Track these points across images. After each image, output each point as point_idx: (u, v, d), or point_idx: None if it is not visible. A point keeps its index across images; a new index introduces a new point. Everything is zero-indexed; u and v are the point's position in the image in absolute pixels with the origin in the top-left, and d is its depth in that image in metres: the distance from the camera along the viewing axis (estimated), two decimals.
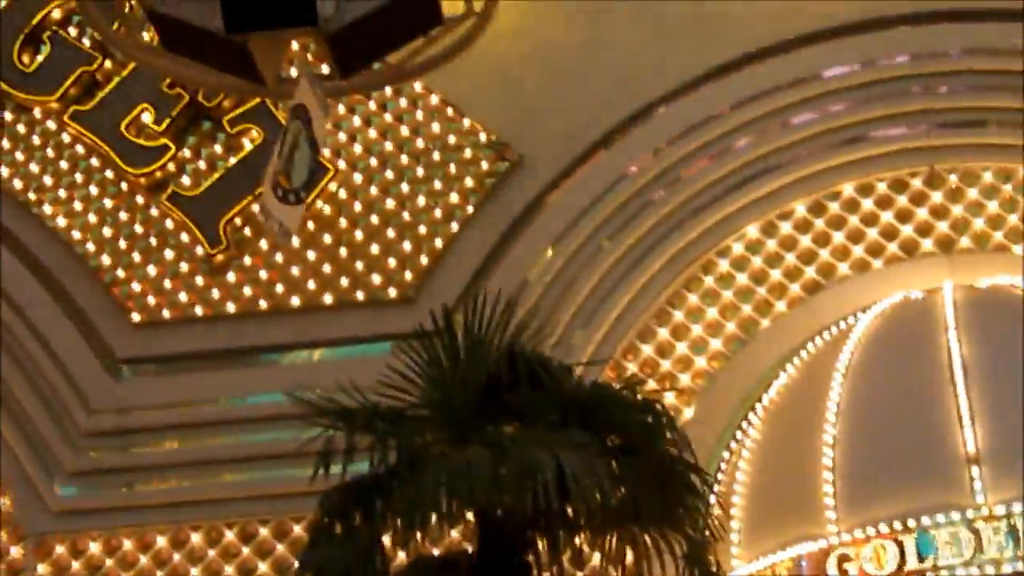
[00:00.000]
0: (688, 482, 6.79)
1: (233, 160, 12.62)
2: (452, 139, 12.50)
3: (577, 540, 6.75)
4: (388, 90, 12.39)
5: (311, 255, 12.38)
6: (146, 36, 10.29)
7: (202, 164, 12.67)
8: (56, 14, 13.14)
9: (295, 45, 11.85)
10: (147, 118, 12.73)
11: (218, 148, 12.71)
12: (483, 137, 12.48)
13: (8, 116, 13.06)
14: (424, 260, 12.24)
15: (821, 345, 11.61)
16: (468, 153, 12.46)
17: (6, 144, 12.97)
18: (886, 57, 12.42)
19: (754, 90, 12.46)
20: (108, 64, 12.92)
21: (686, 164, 12.43)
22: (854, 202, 12.27)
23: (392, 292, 12.22)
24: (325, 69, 9.55)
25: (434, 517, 6.39)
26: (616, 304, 12.15)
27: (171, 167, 12.66)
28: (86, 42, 13.02)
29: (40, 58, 13.02)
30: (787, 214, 12.32)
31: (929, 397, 10.34)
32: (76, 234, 12.68)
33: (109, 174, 12.78)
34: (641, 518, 6.65)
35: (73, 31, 13.08)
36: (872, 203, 12.23)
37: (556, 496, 6.18)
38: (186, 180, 12.64)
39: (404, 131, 12.59)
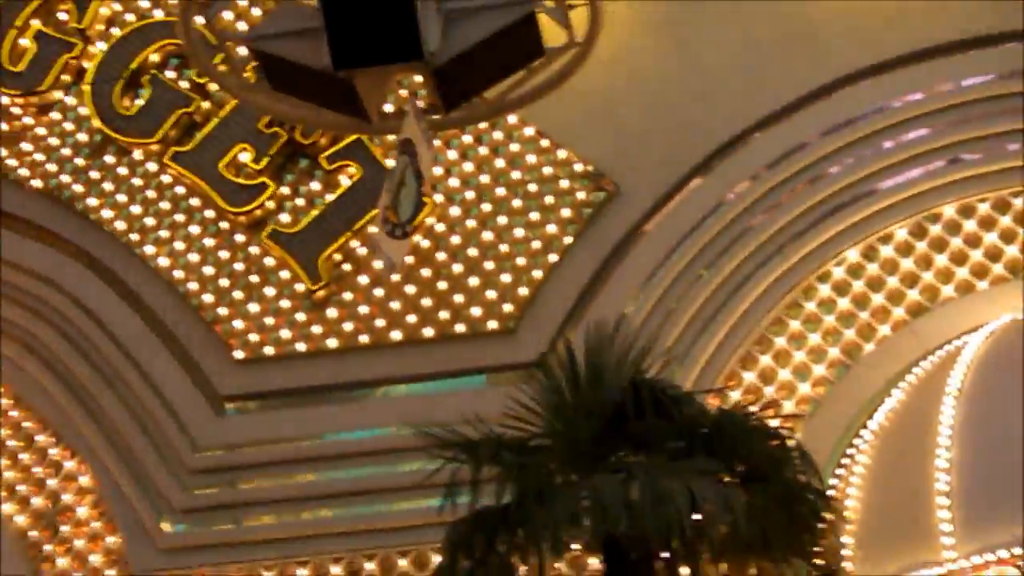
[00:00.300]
0: (815, 509, 6.73)
1: (331, 197, 12.70)
2: (548, 170, 12.53)
3: (703, 567, 6.71)
4: (483, 123, 12.42)
5: (411, 289, 12.43)
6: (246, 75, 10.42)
7: (301, 201, 12.78)
8: (154, 57, 13.30)
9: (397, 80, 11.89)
10: (245, 157, 12.86)
11: (316, 185, 12.81)
12: (579, 167, 12.49)
13: (110, 159, 13.23)
14: (524, 291, 12.26)
15: (928, 368, 11.49)
16: (564, 184, 12.48)
17: (109, 186, 13.15)
18: (979, 76, 12.30)
19: (848, 113, 12.40)
20: (206, 105, 13.07)
21: (784, 189, 12.38)
22: (955, 223, 12.17)
23: (493, 324, 12.24)
24: (420, 103, 9.63)
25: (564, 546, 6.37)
26: (717, 332, 12.10)
27: (270, 205, 12.78)
28: (184, 84, 13.17)
29: (140, 101, 13.19)
30: (887, 237, 12.23)
31: None
32: (179, 273, 12.82)
33: (210, 213, 12.91)
34: (769, 545, 6.60)
35: (171, 74, 13.25)
36: (975, 224, 12.11)
37: (688, 524, 6.14)
38: (285, 217, 12.75)
39: (500, 163, 12.63)
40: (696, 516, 6.19)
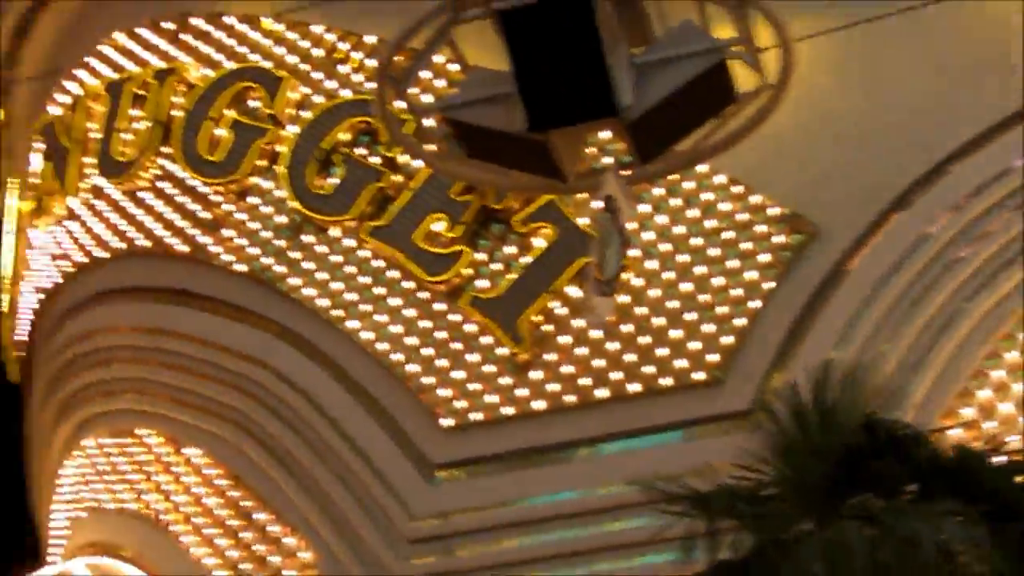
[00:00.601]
0: None
1: (527, 259, 12.75)
2: (744, 216, 12.39)
3: None
4: (674, 175, 12.35)
5: (614, 346, 12.38)
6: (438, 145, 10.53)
7: (497, 266, 12.85)
8: (344, 136, 13.55)
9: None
10: (440, 226, 12.99)
11: (511, 249, 12.86)
12: (774, 211, 12.34)
13: (309, 238, 13.49)
14: (728, 340, 12.13)
15: None
16: (761, 228, 12.33)
17: (310, 265, 13.40)
18: None
19: None
20: (397, 179, 13.25)
21: (988, 218, 12.07)
22: None
23: (699, 375, 12.12)
24: (608, 159, 9.63)
25: None
26: (931, 368, 11.81)
27: (468, 271, 12.87)
28: (375, 160, 13.38)
29: (334, 180, 13.44)
30: None
31: None
32: (383, 345, 12.98)
33: (409, 284, 13.06)
34: None
35: (361, 150, 13.47)
36: None
37: (943, 570, 5.95)
38: (483, 283, 12.83)
39: (694, 213, 12.54)
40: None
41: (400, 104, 9.41)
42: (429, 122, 10.04)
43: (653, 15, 9.29)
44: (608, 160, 9.32)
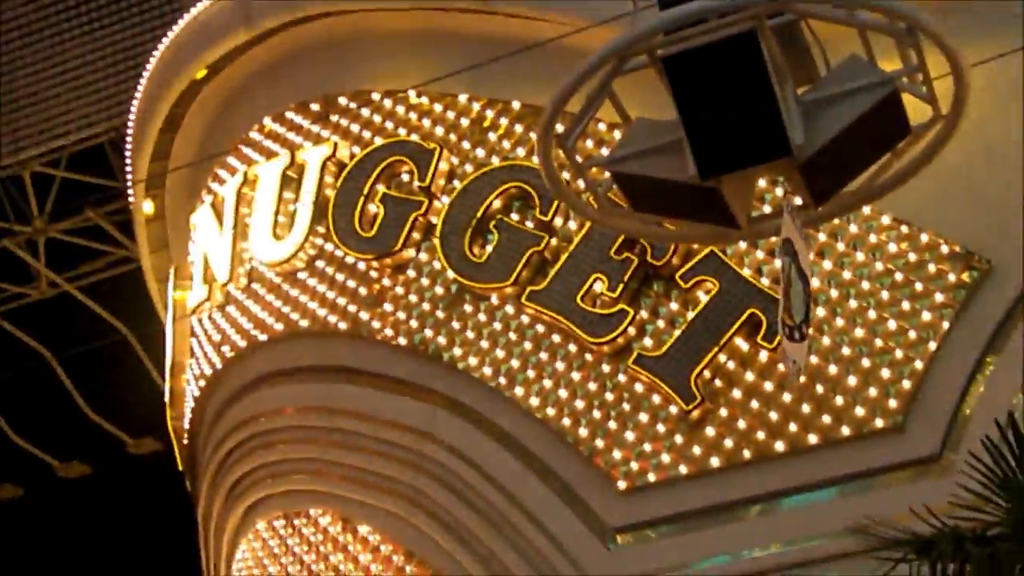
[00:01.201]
0: None
1: (692, 314, 12.53)
2: (913, 256, 12.07)
3: None
4: (837, 219, 12.07)
5: (788, 397, 12.09)
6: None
7: (661, 323, 12.65)
8: (497, 203, 13.49)
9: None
10: (600, 287, 12.84)
11: (675, 305, 12.66)
12: (945, 249, 12.00)
13: (468, 307, 13.42)
14: (907, 384, 11.76)
15: None
16: (932, 268, 12.00)
17: (471, 334, 13.32)
18: None
19: None
20: (554, 242, 13.15)
21: None
22: None
23: (879, 422, 11.77)
24: (797, 200, 9.38)
25: None
26: None
27: (632, 331, 12.69)
28: (530, 224, 13.30)
29: (489, 247, 13.37)
30: None
31: None
32: (550, 411, 12.82)
33: (572, 347, 12.91)
34: None
35: (515, 216, 13.40)
36: None
37: None
38: (648, 341, 12.63)
39: (861, 257, 12.24)
40: None
41: (562, 159, 9.28)
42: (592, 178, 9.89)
43: (816, 51, 9.05)
44: (783, 202, 9.05)
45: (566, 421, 12.75)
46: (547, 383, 12.92)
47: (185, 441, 16.22)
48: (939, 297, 11.90)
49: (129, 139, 16.59)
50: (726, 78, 8.40)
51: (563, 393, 12.85)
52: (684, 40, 8.48)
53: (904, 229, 12.15)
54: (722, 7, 8.35)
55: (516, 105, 13.67)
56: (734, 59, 8.36)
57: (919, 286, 12.00)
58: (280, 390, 14.50)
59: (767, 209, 11.79)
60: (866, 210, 12.15)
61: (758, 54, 8.34)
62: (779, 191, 11.83)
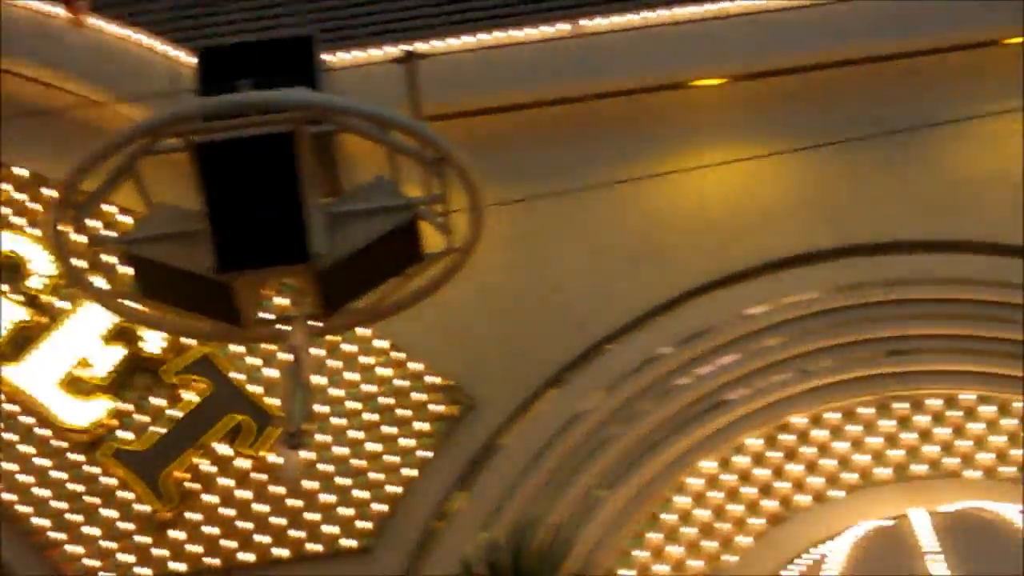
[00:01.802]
0: None
1: (177, 412, 12.22)
2: (402, 383, 12.32)
3: None
4: (337, 336, 12.19)
5: (262, 507, 11.96)
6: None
7: (145, 417, 12.26)
8: None
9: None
10: (84, 372, 12.33)
11: (161, 400, 12.31)
12: (433, 380, 12.32)
13: None
14: (381, 507, 11.90)
15: None
16: (420, 396, 12.28)
17: None
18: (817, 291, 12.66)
19: (698, 326, 12.59)
20: (43, 319, 12.53)
21: (638, 400, 12.40)
22: (805, 433, 12.33)
23: (350, 542, 11.83)
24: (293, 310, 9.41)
25: None
26: (578, 547, 11.88)
27: (113, 422, 12.22)
28: (18, 298, 12.63)
29: None
30: (741, 447, 12.29)
31: None
32: (7, 496, 12.10)
33: (43, 431, 12.27)
34: None
35: (4, 286, 12.70)
36: (827, 433, 12.29)
37: None
38: (128, 435, 12.20)
39: (353, 376, 12.37)
40: None
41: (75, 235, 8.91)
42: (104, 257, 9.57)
43: (344, 166, 9.20)
44: (296, 312, 9.05)
45: (25, 508, 12.05)
46: (10, 466, 12.19)
47: None
48: (423, 426, 12.17)
49: None
50: (257, 175, 8.39)
51: (26, 478, 12.15)
52: (220, 130, 8.39)
53: (397, 355, 12.39)
54: (263, 104, 8.33)
55: (21, 172, 13.02)
56: (267, 158, 8.36)
57: (405, 412, 12.23)
58: None
59: (296, 311, 11.69)
60: (363, 331, 12.33)
61: (292, 157, 8.38)
62: (285, 300, 11.80)
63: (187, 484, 12.06)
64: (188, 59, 11.27)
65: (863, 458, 12.21)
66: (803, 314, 12.57)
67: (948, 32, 12.90)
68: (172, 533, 11.94)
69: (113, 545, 11.95)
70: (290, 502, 11.96)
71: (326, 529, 11.88)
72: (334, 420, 12.22)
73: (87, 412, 12.25)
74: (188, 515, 11.98)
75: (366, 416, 12.24)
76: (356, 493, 11.97)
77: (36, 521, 12.06)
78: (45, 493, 12.11)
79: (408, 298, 9.58)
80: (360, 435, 12.18)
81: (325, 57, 8.86)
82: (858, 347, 12.42)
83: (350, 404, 12.28)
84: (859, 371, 12.38)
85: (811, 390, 12.41)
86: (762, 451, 12.27)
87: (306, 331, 8.83)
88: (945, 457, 12.19)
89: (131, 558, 11.90)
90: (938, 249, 12.69)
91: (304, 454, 8.75)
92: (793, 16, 12.93)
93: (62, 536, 12.00)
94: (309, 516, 11.93)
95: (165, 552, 11.90)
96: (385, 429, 12.20)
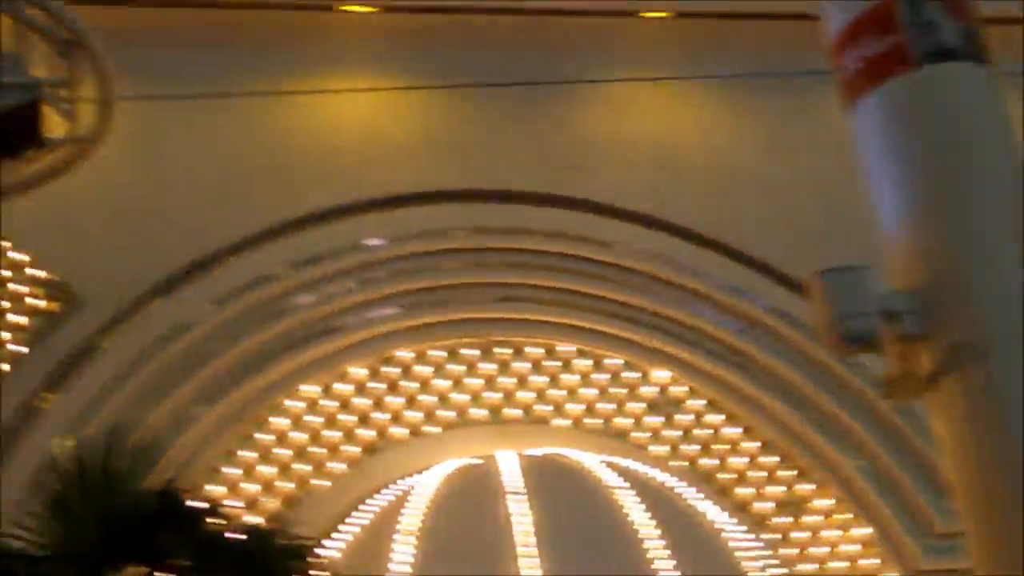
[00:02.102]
0: None
1: None
2: (5, 273, 11.77)
3: None
4: None
5: None
6: None
7: None
8: None
9: None
10: None
11: None
12: (38, 274, 11.81)
13: None
14: None
15: (380, 507, 11.61)
16: (20, 288, 11.75)
17: None
18: (445, 231, 12.82)
19: (316, 250, 12.56)
20: None
21: (246, 318, 12.26)
22: (409, 367, 12.50)
23: None
24: None
25: None
26: (169, 456, 11.66)
27: None
28: None
29: None
30: (344, 375, 12.35)
31: (493, 560, 10.52)
32: None
33: None
34: None
35: None
36: (430, 369, 12.50)
37: None
38: None
39: None
40: None
41: None
42: None
43: None
44: None
45: None
46: None
47: None
48: (22, 319, 11.67)
49: None
50: None
51: None
52: None
53: (2, 242, 11.81)
54: None
55: None
56: None
57: (3, 304, 11.69)
58: None
59: None
60: None
61: None
62: None
63: None
64: None
65: (462, 397, 12.48)
66: (420, 251, 12.73)
67: None
68: None
69: None
70: None
71: None
72: None
73: None
74: None
75: None
76: None
77: None
78: None
79: (23, 182, 9.12)
80: None
81: None
82: (470, 290, 12.68)
83: None
84: (467, 313, 12.63)
85: (419, 327, 12.59)
86: (365, 381, 12.38)
87: None
88: (538, 404, 12.59)
89: None
90: (561, 204, 13.08)
91: None
92: None
93: None
94: None
95: None
96: None
